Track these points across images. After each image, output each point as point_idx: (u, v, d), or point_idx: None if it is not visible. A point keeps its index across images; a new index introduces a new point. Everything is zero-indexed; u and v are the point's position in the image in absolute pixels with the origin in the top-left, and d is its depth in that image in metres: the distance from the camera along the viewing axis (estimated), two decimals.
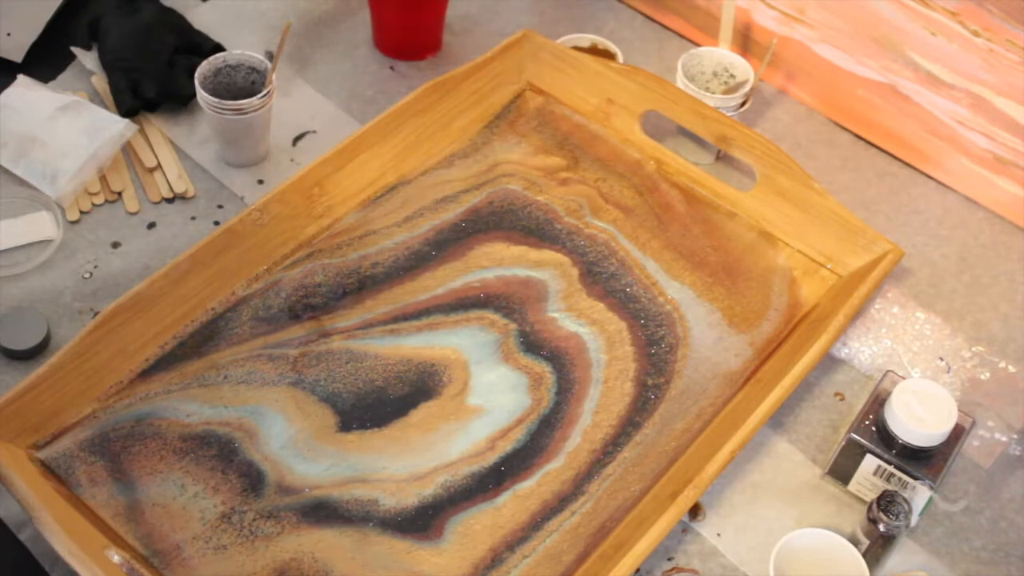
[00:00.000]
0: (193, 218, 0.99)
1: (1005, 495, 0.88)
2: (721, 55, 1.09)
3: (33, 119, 1.01)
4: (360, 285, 0.94)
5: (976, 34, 1.00)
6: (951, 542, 0.85)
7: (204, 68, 0.99)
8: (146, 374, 0.86)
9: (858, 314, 0.96)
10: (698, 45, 1.19)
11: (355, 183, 0.98)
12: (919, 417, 0.81)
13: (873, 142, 1.12)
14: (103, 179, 1.00)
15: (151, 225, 0.98)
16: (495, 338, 0.91)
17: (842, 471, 0.86)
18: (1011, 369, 0.95)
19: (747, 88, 1.06)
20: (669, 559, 0.82)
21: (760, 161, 0.99)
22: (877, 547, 0.80)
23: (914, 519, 0.82)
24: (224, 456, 0.82)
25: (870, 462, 0.83)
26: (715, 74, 1.09)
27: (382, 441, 0.85)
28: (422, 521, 0.81)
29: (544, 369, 0.90)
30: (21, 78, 1.05)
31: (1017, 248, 1.05)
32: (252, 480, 0.81)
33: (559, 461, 0.85)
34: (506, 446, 0.85)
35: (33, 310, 0.89)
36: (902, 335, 0.96)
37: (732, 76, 1.09)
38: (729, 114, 1.03)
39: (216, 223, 0.99)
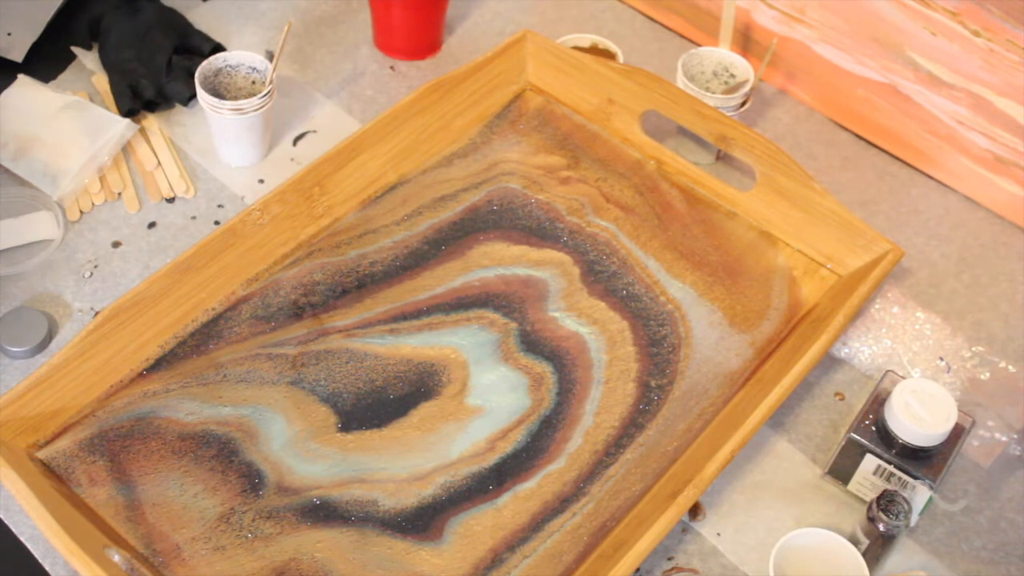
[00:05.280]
0: (193, 218, 0.99)
1: (1005, 495, 0.88)
2: (721, 55, 1.09)
3: (34, 119, 1.01)
4: (359, 284, 0.94)
5: (976, 34, 1.00)
6: (951, 542, 0.85)
7: (204, 68, 0.99)
8: (146, 374, 0.86)
9: (858, 314, 0.96)
10: (698, 45, 1.19)
11: (355, 183, 0.98)
12: (919, 417, 0.81)
13: (873, 142, 1.12)
14: (103, 179, 1.01)
15: (151, 225, 0.98)
16: (495, 338, 0.91)
17: (842, 471, 0.86)
18: (1011, 369, 0.95)
19: (747, 88, 1.06)
20: (669, 559, 0.82)
21: (760, 161, 0.99)
22: (877, 547, 0.80)
23: (914, 519, 0.82)
24: (224, 456, 0.82)
25: (870, 462, 0.83)
26: (715, 74, 1.09)
27: (382, 441, 0.85)
28: (422, 522, 0.81)
29: (545, 369, 0.90)
30: (21, 78, 1.05)
31: (1017, 248, 1.05)
32: (252, 480, 0.81)
33: (560, 462, 0.85)
34: (506, 447, 0.85)
35: (33, 310, 0.89)
36: (902, 335, 0.96)
37: (732, 76, 1.09)
38: (729, 114, 1.03)
39: (216, 223, 0.99)
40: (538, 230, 0.99)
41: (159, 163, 1.02)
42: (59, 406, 0.82)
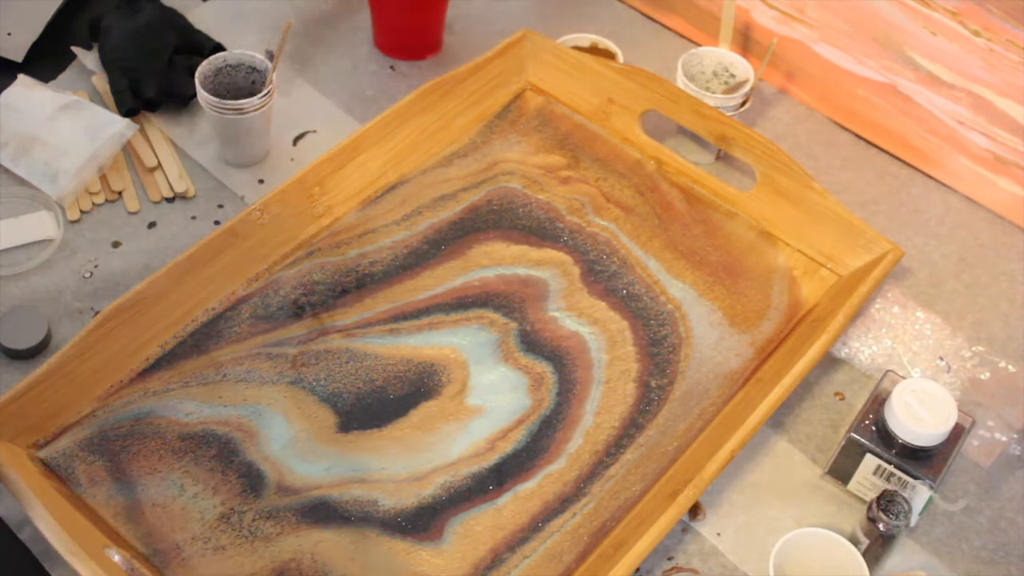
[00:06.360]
0: (193, 218, 0.99)
1: (1005, 495, 0.88)
2: (721, 55, 1.09)
3: (34, 119, 1.01)
4: (359, 284, 0.94)
5: (976, 34, 1.00)
6: (951, 542, 0.85)
7: (204, 68, 0.99)
8: (146, 373, 0.86)
9: (858, 314, 0.96)
10: (698, 45, 1.19)
11: (355, 182, 0.98)
12: (919, 417, 0.81)
13: (873, 142, 1.12)
14: (103, 179, 1.00)
15: (151, 225, 0.98)
16: (495, 338, 0.91)
17: (842, 471, 0.86)
18: (1011, 369, 0.95)
19: (747, 88, 1.06)
20: (669, 559, 0.82)
21: (760, 161, 0.99)
22: (877, 547, 0.80)
23: (914, 519, 0.82)
24: (224, 456, 0.82)
25: (870, 462, 0.83)
26: (715, 74, 1.09)
27: (382, 441, 0.85)
28: (422, 522, 0.81)
29: (545, 369, 0.90)
30: (22, 77, 1.05)
31: (1017, 248, 1.05)
32: (252, 480, 0.81)
33: (561, 462, 0.85)
34: (506, 447, 0.85)
35: (33, 310, 0.89)
36: (902, 335, 0.96)
37: (732, 76, 1.09)
38: (729, 114, 1.03)
39: (216, 223, 0.99)
40: (538, 230, 0.99)
41: (159, 163, 1.02)
42: (59, 406, 0.82)
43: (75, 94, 1.05)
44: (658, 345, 0.92)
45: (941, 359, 0.94)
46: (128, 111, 1.04)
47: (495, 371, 0.89)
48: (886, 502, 0.79)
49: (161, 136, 1.04)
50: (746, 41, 1.16)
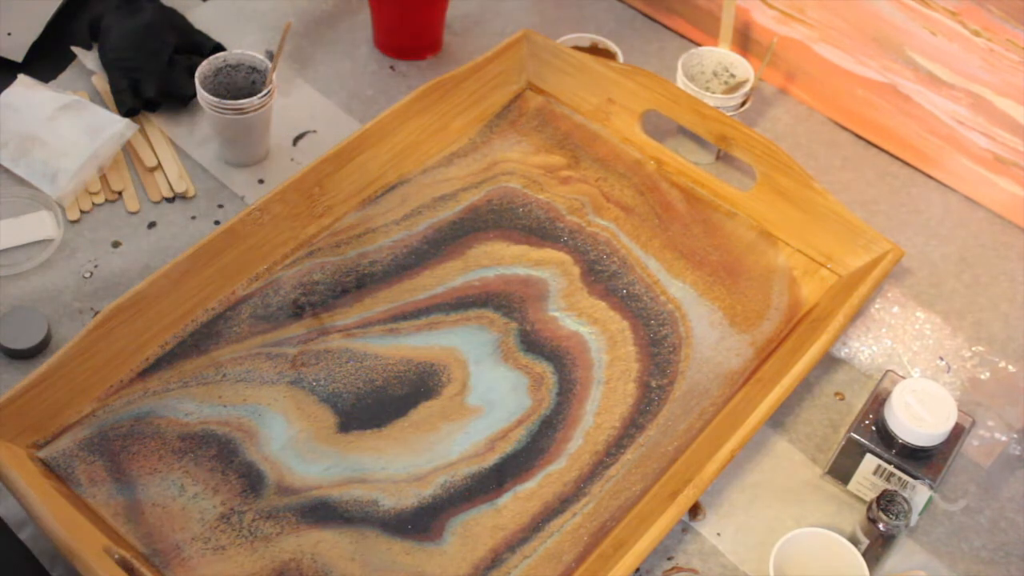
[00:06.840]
0: (193, 218, 0.99)
1: (1005, 495, 0.88)
2: (721, 55, 1.09)
3: (33, 118, 1.01)
4: (359, 283, 0.94)
5: (976, 34, 1.00)
6: (951, 542, 0.85)
7: (204, 68, 0.99)
8: (146, 373, 0.86)
9: (858, 314, 0.96)
10: (698, 45, 1.19)
11: (355, 182, 0.98)
12: (919, 417, 0.81)
13: (873, 142, 1.12)
14: (103, 178, 1.00)
15: (151, 224, 0.98)
16: (495, 337, 0.91)
17: (842, 471, 0.86)
18: (1011, 369, 0.95)
19: (747, 88, 1.06)
20: (669, 559, 0.82)
21: (760, 161, 1.00)
22: (877, 546, 0.80)
23: (914, 519, 0.82)
24: (224, 457, 0.82)
25: (870, 461, 0.83)
26: (715, 74, 1.09)
27: (382, 441, 0.85)
28: (422, 522, 0.81)
29: (545, 369, 0.90)
30: (21, 77, 1.05)
31: (1017, 248, 1.05)
32: (252, 480, 0.81)
33: (561, 463, 0.85)
34: (506, 447, 0.85)
35: (33, 310, 0.89)
36: (902, 335, 0.96)
37: (732, 76, 1.09)
38: (729, 114, 1.03)
39: (216, 223, 0.99)
40: (538, 230, 0.99)
41: (159, 163, 1.02)
42: (59, 406, 0.82)
43: (75, 94, 1.05)
44: (658, 345, 0.92)
45: (941, 359, 0.94)
46: (128, 111, 1.04)
47: (495, 371, 0.89)
48: (886, 502, 0.79)
49: (161, 136, 1.04)
50: (746, 41, 1.16)
